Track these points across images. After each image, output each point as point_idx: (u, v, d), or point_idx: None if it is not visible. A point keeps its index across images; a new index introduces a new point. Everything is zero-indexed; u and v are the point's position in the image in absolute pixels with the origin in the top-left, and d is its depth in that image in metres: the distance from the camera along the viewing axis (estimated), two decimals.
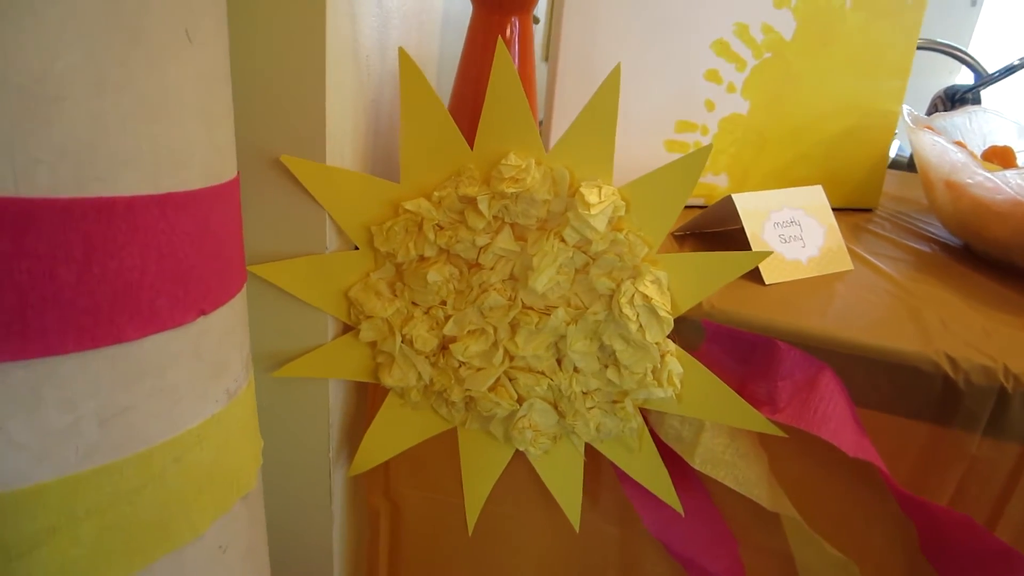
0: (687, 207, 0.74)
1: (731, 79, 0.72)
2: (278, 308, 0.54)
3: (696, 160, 0.47)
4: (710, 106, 0.72)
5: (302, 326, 0.56)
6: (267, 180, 0.50)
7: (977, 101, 1.14)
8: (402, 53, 0.48)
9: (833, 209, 0.65)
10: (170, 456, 0.32)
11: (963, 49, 1.28)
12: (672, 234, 0.67)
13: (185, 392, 0.33)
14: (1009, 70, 1.07)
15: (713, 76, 0.71)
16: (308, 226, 0.52)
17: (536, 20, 0.89)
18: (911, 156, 1.19)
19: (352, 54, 0.51)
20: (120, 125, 0.27)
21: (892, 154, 1.39)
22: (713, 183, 0.75)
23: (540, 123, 0.76)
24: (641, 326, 0.49)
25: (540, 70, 0.72)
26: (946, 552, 0.52)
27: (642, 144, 0.71)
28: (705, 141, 0.73)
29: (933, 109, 1.18)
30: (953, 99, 1.14)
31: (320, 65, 0.46)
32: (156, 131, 0.28)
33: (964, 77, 1.53)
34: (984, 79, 1.13)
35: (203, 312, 0.33)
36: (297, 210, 0.51)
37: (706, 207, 0.68)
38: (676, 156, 0.71)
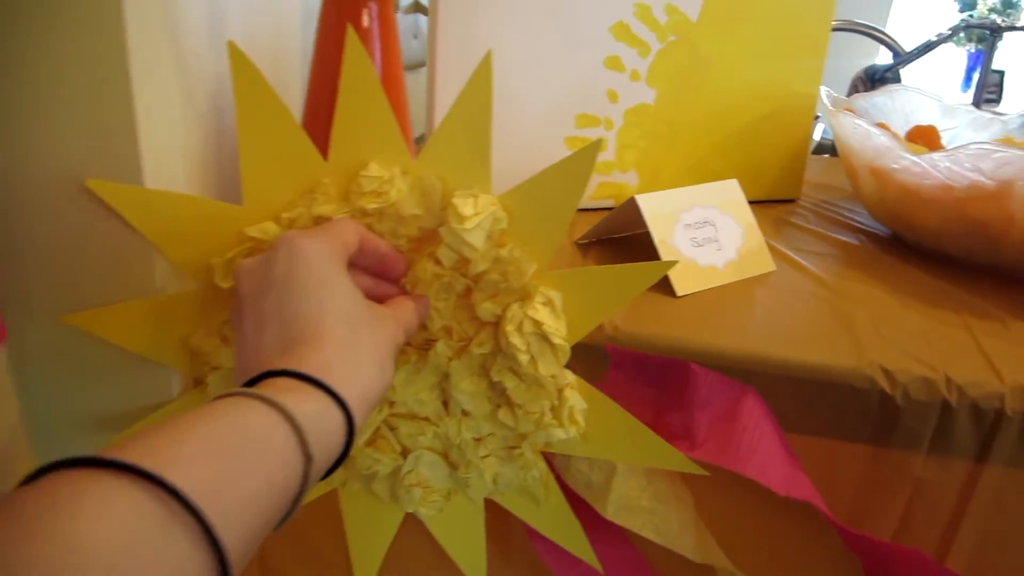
0: (596, 210, 0.67)
1: (635, 66, 0.65)
2: (113, 363, 0.46)
3: (584, 159, 0.40)
4: (613, 97, 0.65)
5: (143, 382, 0.47)
6: (76, 210, 0.41)
7: (897, 80, 1.11)
8: (232, 48, 0.41)
9: (752, 203, 0.59)
10: None
11: (880, 29, 1.24)
12: (575, 243, 0.60)
13: None
14: (927, 47, 1.04)
15: (614, 63, 0.64)
16: (132, 263, 0.44)
17: (421, 10, 0.81)
18: (833, 139, 1.15)
19: (172, 52, 0.43)
20: None
21: (816, 137, 1.35)
22: (622, 182, 0.68)
23: (421, 139, 0.68)
24: (533, 357, 0.42)
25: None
26: None
27: (540, 144, 0.64)
28: (610, 136, 0.66)
29: (853, 90, 1.14)
30: (873, 79, 1.10)
31: (121, 66, 0.39)
32: None
33: (883, 58, 1.51)
34: (903, 57, 1.10)
35: None
36: (117, 245, 0.43)
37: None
38: None
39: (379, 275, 0.42)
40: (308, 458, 0.28)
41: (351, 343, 0.34)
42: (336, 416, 0.31)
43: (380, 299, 0.42)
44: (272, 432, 0.27)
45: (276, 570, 0.55)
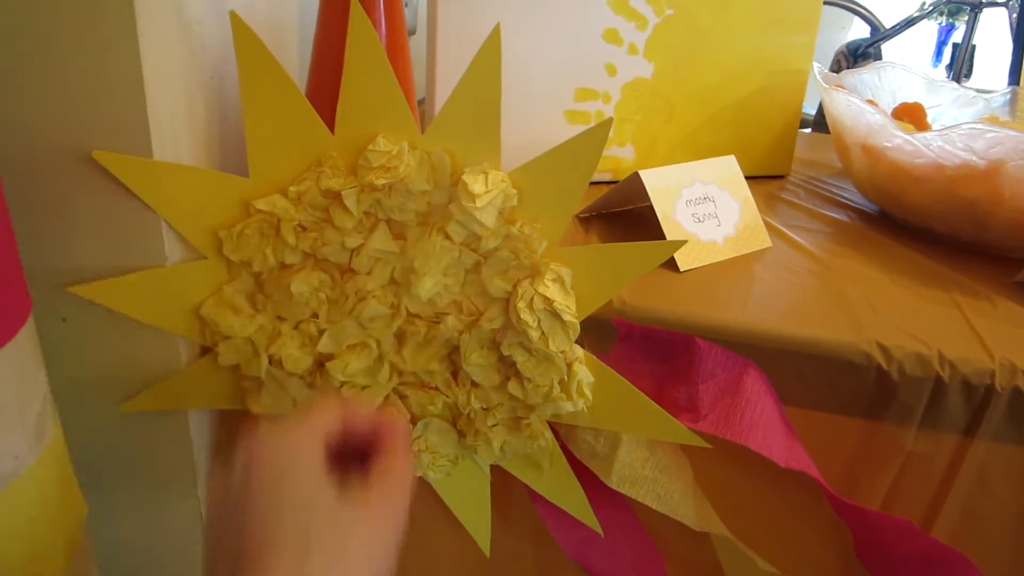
0: (594, 183, 0.67)
1: (632, 39, 0.65)
2: (119, 331, 0.46)
3: (595, 137, 0.41)
4: (611, 70, 0.65)
5: (149, 351, 0.47)
6: (84, 182, 0.41)
7: (878, 56, 1.12)
8: (234, 18, 0.40)
9: (745, 178, 0.60)
10: None
11: (858, 2, 1.25)
12: (577, 216, 0.60)
13: None
14: (909, 22, 1.05)
15: (612, 36, 0.64)
16: (141, 235, 0.44)
17: None
18: (816, 114, 1.17)
19: (175, 20, 0.42)
20: None
21: None
22: (619, 155, 0.69)
23: (421, 103, 0.68)
24: (543, 333, 0.43)
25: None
26: (884, 556, 0.48)
27: (540, 117, 0.64)
28: (608, 109, 0.66)
29: (836, 66, 1.15)
30: (855, 54, 1.11)
31: (130, 32, 0.38)
32: None
33: (856, 31, 1.51)
34: (885, 32, 1.11)
35: None
36: (126, 216, 0.43)
37: (613, 182, 0.62)
38: (578, 128, 0.64)
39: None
40: None
41: (303, 558, 0.28)
42: None
43: None
44: None
45: None
